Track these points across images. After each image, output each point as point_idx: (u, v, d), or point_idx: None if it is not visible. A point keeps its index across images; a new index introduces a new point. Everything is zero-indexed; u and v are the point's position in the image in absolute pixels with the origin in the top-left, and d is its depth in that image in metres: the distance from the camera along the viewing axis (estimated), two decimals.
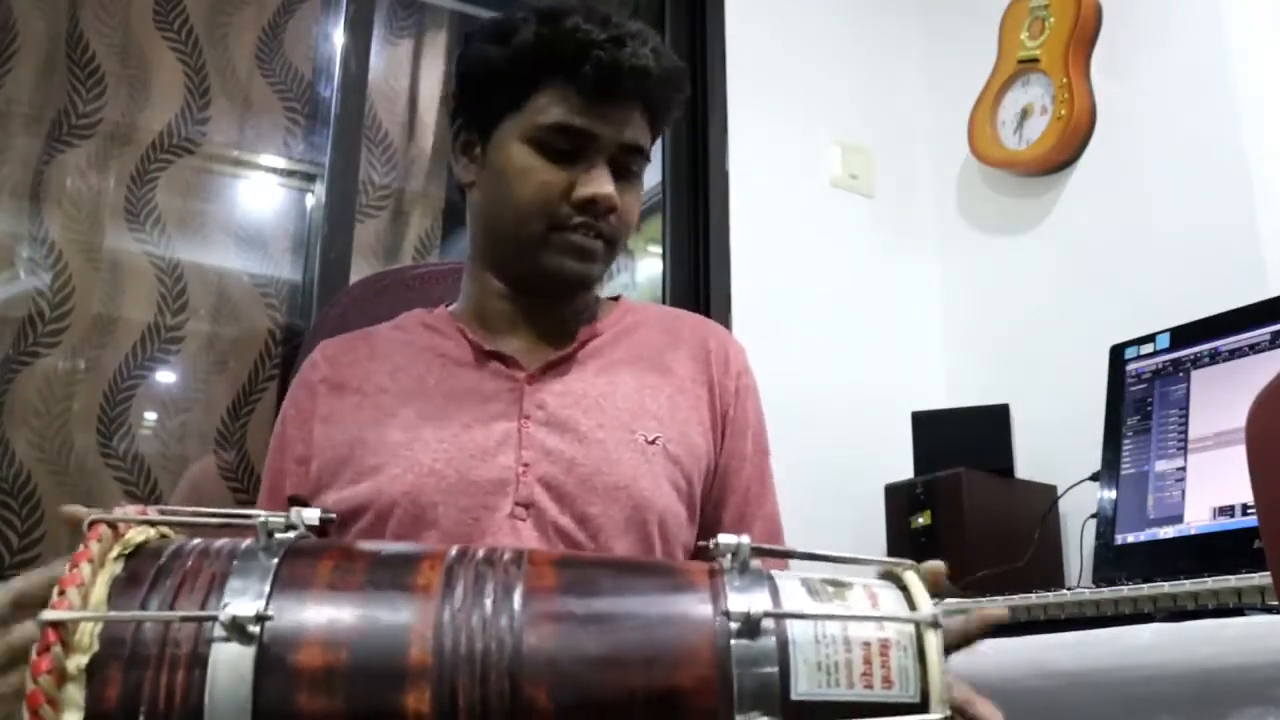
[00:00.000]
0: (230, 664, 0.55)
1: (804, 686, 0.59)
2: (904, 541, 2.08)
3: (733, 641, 0.59)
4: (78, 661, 0.55)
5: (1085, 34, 2.26)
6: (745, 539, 0.63)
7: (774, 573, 0.65)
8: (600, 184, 1.04)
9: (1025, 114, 2.34)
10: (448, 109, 1.19)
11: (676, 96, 1.11)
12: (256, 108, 2.23)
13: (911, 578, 0.65)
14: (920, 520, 2.05)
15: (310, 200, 2.26)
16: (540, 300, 1.12)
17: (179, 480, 2.02)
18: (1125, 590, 1.36)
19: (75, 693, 0.55)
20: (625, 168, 1.08)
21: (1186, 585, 1.29)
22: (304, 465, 1.08)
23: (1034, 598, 1.46)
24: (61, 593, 0.56)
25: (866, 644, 0.60)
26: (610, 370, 1.11)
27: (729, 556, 0.63)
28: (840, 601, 0.62)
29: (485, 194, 1.10)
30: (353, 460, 1.04)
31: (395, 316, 1.21)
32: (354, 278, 2.06)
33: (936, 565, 0.71)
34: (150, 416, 2.02)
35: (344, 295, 1.45)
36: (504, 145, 1.07)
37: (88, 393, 1.97)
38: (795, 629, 0.60)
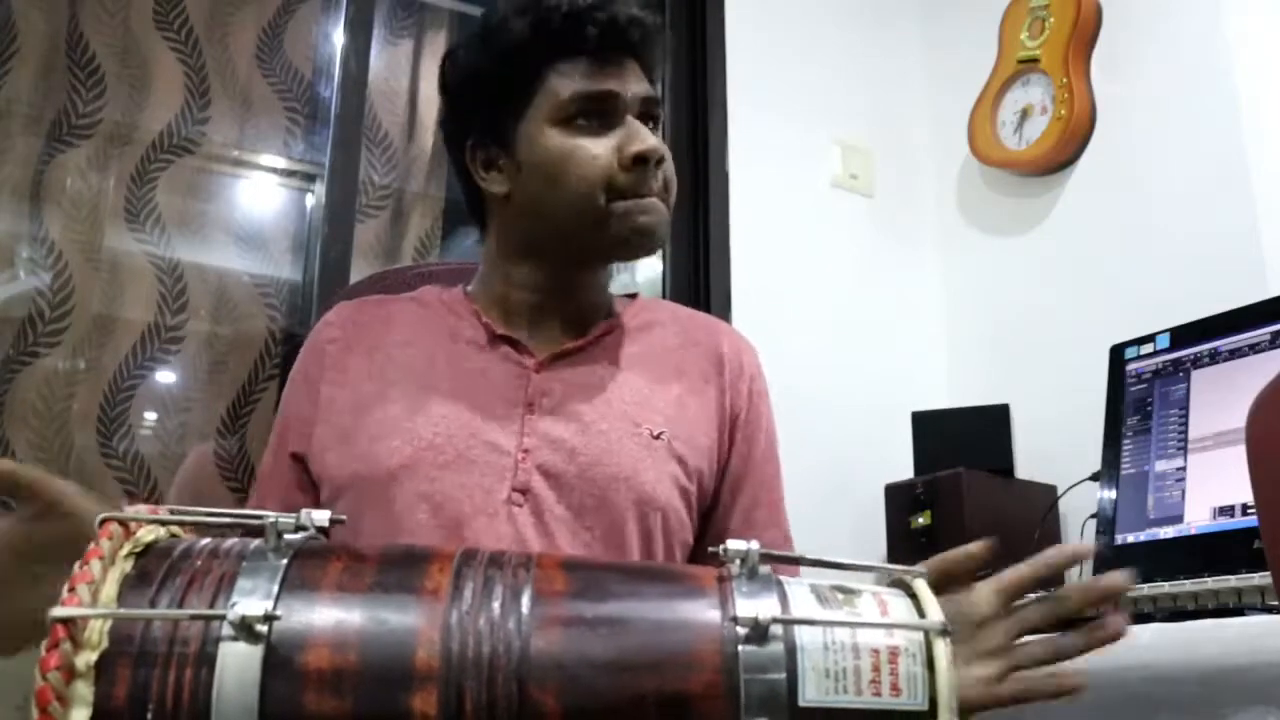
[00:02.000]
0: (238, 664, 0.55)
1: (812, 693, 0.58)
2: (904, 541, 2.08)
3: (741, 647, 0.59)
4: (86, 658, 0.55)
5: (1085, 34, 2.27)
6: (754, 544, 0.63)
7: (783, 578, 0.64)
8: (644, 139, 1.04)
9: (1025, 114, 2.35)
10: (444, 130, 1.17)
11: (663, 46, 1.12)
12: (256, 108, 2.23)
13: (921, 585, 0.65)
14: (920, 520, 2.06)
15: (310, 200, 2.26)
16: (569, 287, 1.11)
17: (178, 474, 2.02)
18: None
19: (84, 689, 0.55)
20: (651, 120, 1.08)
21: (1186, 585, 1.29)
22: (308, 425, 1.08)
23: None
24: (71, 589, 0.56)
25: (875, 651, 0.60)
26: (621, 365, 1.10)
27: (738, 562, 0.63)
28: (849, 608, 0.62)
29: (529, 193, 1.07)
30: (354, 428, 1.04)
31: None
32: (354, 278, 2.06)
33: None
34: (150, 416, 2.02)
35: (344, 295, 1.45)
36: (534, 139, 1.06)
37: (88, 393, 1.97)
38: (804, 635, 0.60)
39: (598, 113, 1.05)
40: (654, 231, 1.07)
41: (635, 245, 1.08)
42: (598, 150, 1.04)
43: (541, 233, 1.09)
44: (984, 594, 0.76)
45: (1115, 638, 0.73)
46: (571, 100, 1.04)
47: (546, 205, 1.06)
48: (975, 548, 0.76)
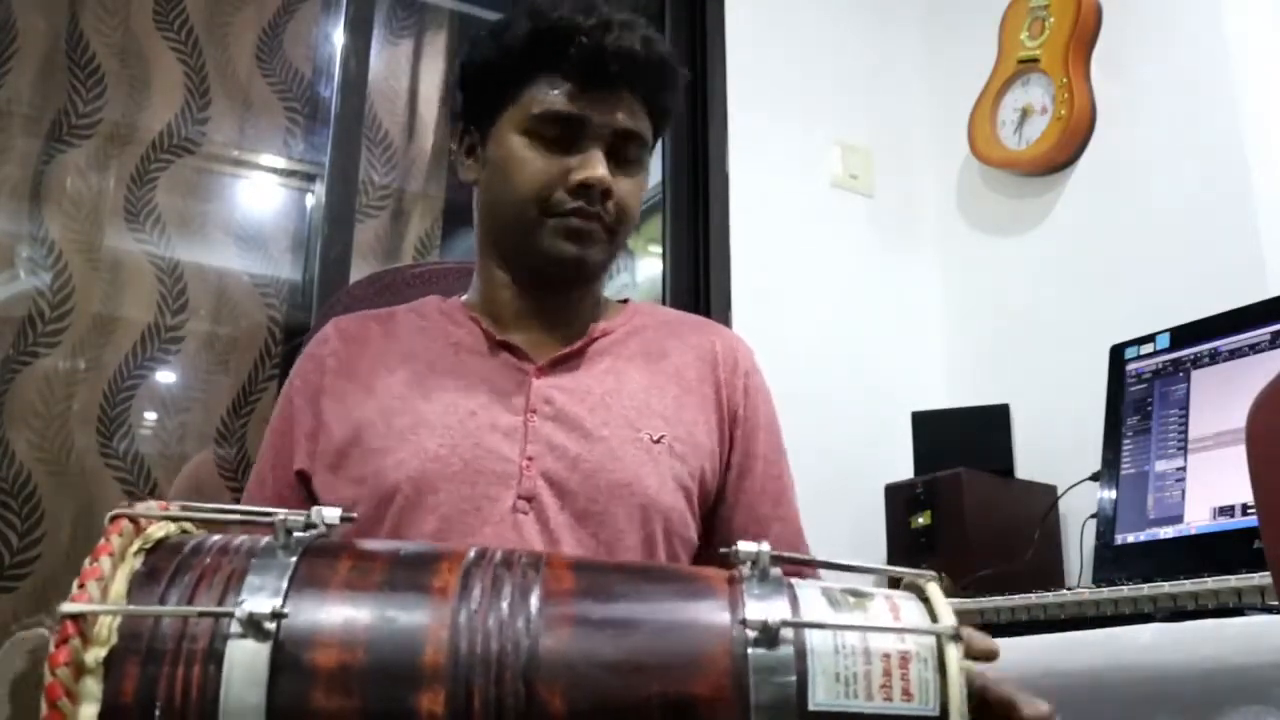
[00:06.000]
0: (246, 661, 0.56)
1: (822, 697, 0.58)
2: (904, 541, 2.08)
3: (750, 650, 0.59)
4: (96, 654, 0.56)
5: (1085, 34, 2.27)
6: (765, 546, 0.63)
7: (794, 581, 0.64)
8: (593, 168, 1.04)
9: (1025, 114, 2.35)
10: (450, 112, 1.20)
11: (670, 83, 1.11)
12: (256, 108, 2.23)
13: (933, 589, 0.64)
14: (920, 520, 2.06)
15: (310, 200, 2.26)
16: (545, 290, 1.12)
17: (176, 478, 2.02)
18: (1125, 590, 1.37)
19: (93, 685, 0.55)
20: (623, 155, 1.08)
21: (1186, 585, 1.29)
22: (312, 440, 1.08)
23: (1034, 598, 1.46)
24: (81, 585, 0.56)
25: (886, 655, 0.60)
26: (617, 368, 1.11)
27: (748, 564, 0.63)
28: (861, 612, 0.62)
29: (487, 188, 1.12)
30: (360, 443, 1.04)
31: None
32: (354, 278, 2.05)
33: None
34: (150, 416, 2.02)
35: (344, 295, 1.45)
36: (501, 138, 1.08)
37: (88, 393, 1.97)
38: (814, 639, 0.59)
39: (563, 132, 1.06)
40: (573, 258, 1.07)
41: (556, 265, 1.08)
42: (545, 166, 1.05)
43: (496, 232, 1.12)
44: None
45: None
46: (540, 115, 1.06)
47: (494, 204, 1.10)
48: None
